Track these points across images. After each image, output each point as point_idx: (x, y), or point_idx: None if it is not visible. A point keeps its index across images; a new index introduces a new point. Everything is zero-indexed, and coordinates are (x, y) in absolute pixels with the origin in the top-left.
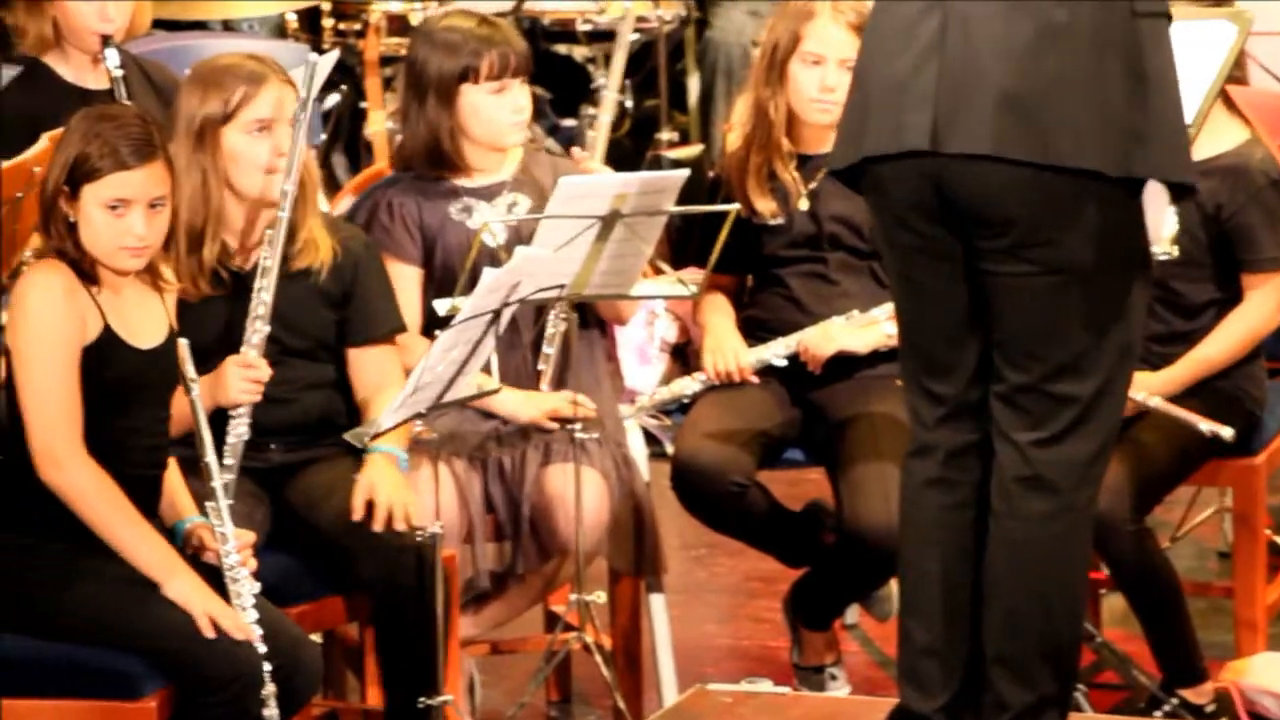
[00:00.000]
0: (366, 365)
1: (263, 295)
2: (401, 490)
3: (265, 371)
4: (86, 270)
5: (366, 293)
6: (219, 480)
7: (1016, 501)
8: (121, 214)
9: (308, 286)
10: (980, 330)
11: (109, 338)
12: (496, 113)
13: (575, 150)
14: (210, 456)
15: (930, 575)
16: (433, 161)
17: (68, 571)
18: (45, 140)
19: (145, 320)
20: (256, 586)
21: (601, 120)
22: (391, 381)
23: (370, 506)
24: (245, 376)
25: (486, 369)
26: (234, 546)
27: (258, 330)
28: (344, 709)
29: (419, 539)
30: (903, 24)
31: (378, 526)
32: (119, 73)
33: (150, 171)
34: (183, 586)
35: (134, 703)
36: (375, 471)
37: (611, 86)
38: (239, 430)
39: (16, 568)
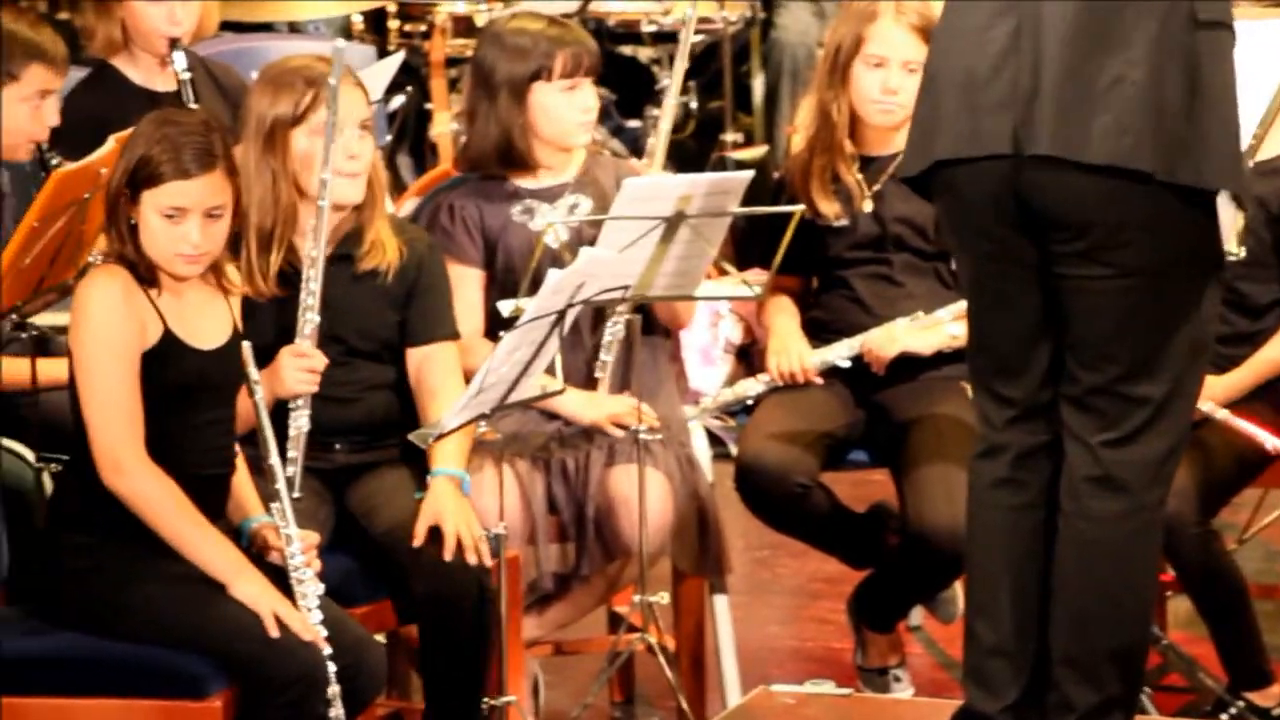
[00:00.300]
0: (426, 366)
1: (311, 285)
2: (467, 517)
3: (320, 360)
4: (145, 274)
5: (428, 294)
6: (283, 481)
7: (1087, 501)
8: (178, 221)
9: (374, 288)
10: (1051, 333)
11: (170, 341)
12: (566, 111)
13: (634, 162)
14: (274, 458)
15: (998, 576)
16: (502, 161)
17: (134, 572)
18: (113, 142)
19: (208, 321)
20: (321, 588)
21: (662, 125)
22: (450, 383)
23: (432, 533)
24: (300, 366)
25: (550, 370)
26: (299, 548)
27: (309, 320)
28: (407, 709)
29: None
30: (976, 26)
31: (447, 556)
32: (186, 75)
33: (209, 181)
34: (249, 587)
35: (199, 702)
36: (440, 497)
37: (673, 90)
38: (299, 422)
39: (84, 568)
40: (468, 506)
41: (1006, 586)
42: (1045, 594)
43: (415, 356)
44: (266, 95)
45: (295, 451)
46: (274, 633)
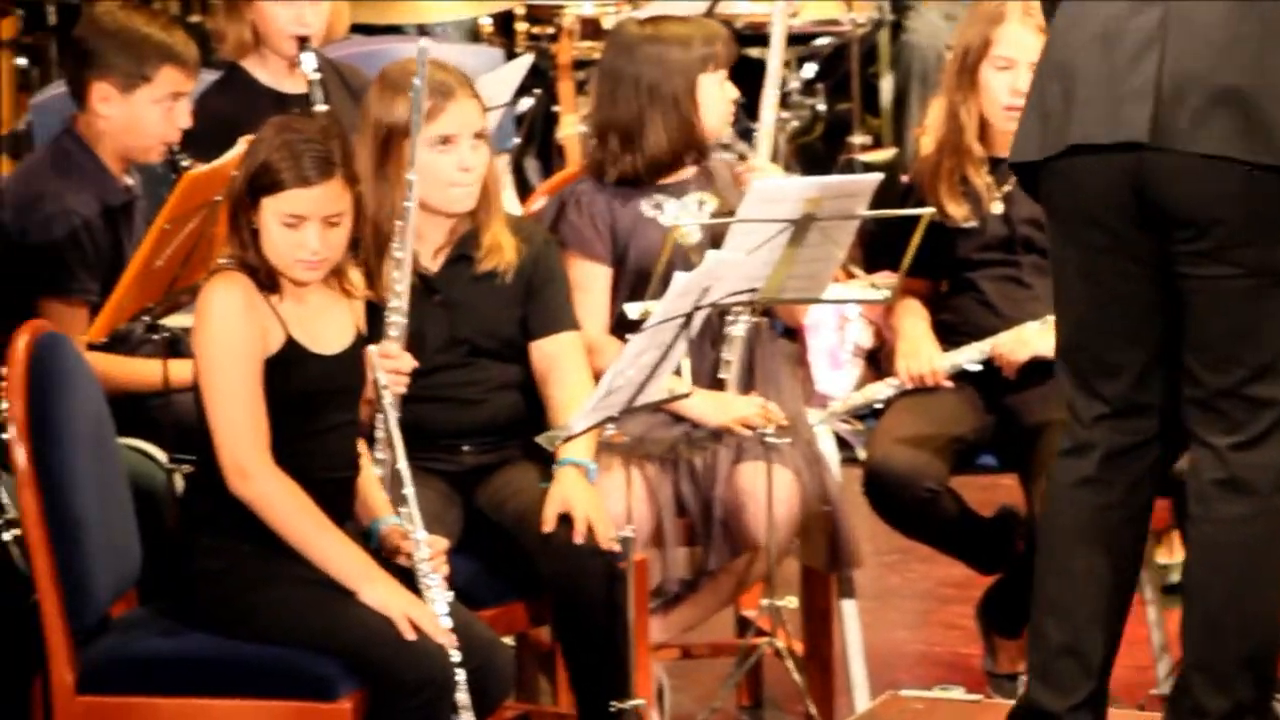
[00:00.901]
0: (549, 358)
1: (398, 288)
2: (595, 503)
3: (407, 362)
4: (266, 280)
5: (546, 287)
6: (410, 487)
7: (1213, 505)
8: (297, 228)
9: (494, 288)
10: (1153, 332)
11: (292, 347)
12: (723, 103)
13: (740, 167)
14: (402, 463)
15: (1075, 575)
16: (665, 166)
17: (265, 574)
18: (243, 144)
19: (331, 326)
20: (450, 595)
21: (763, 120)
22: (574, 373)
23: (562, 520)
24: (387, 368)
25: (678, 372)
26: (427, 553)
27: (395, 323)
28: (535, 712)
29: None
30: (1114, 14)
31: (578, 539)
32: (315, 76)
33: (327, 189)
34: (379, 591)
35: (329, 704)
36: (567, 485)
37: (769, 86)
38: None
39: (215, 569)
40: (596, 494)
41: (1081, 586)
42: (1119, 595)
43: (538, 350)
44: (385, 99)
45: (385, 454)
46: (410, 635)
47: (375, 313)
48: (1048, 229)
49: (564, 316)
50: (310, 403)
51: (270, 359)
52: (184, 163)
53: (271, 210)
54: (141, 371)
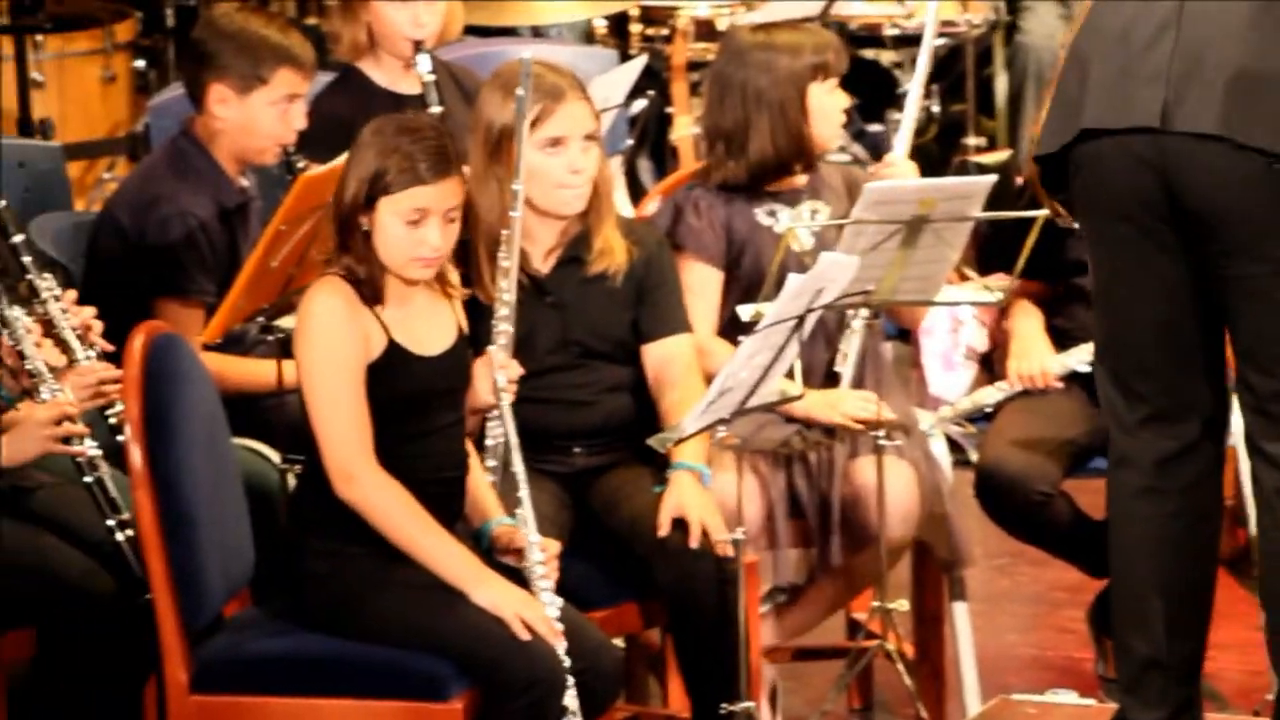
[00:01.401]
0: (662, 361)
1: (504, 296)
2: (710, 508)
3: (515, 369)
4: (369, 288)
5: (658, 290)
6: (525, 489)
7: (1279, 513)
8: (419, 225)
9: (605, 290)
10: (1189, 329)
11: (395, 352)
12: (835, 112)
13: (866, 168)
14: (518, 465)
15: (1148, 589)
16: (774, 171)
17: (376, 575)
18: None
19: (433, 328)
20: (560, 601)
21: (904, 123)
22: (687, 376)
23: (677, 524)
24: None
25: (790, 374)
26: (540, 557)
27: (503, 330)
28: (645, 714)
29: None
30: (1131, 14)
31: (693, 543)
32: (430, 78)
33: (447, 185)
34: (490, 592)
35: (440, 704)
36: (682, 489)
37: (914, 91)
38: (496, 432)
39: (326, 571)
40: (710, 499)
41: (1158, 599)
42: (1197, 601)
43: (651, 353)
44: (495, 100)
45: (494, 461)
46: (524, 635)
47: (482, 314)
48: (1081, 229)
49: (676, 319)
50: (416, 405)
51: (373, 364)
52: (299, 164)
53: (391, 210)
54: (256, 372)
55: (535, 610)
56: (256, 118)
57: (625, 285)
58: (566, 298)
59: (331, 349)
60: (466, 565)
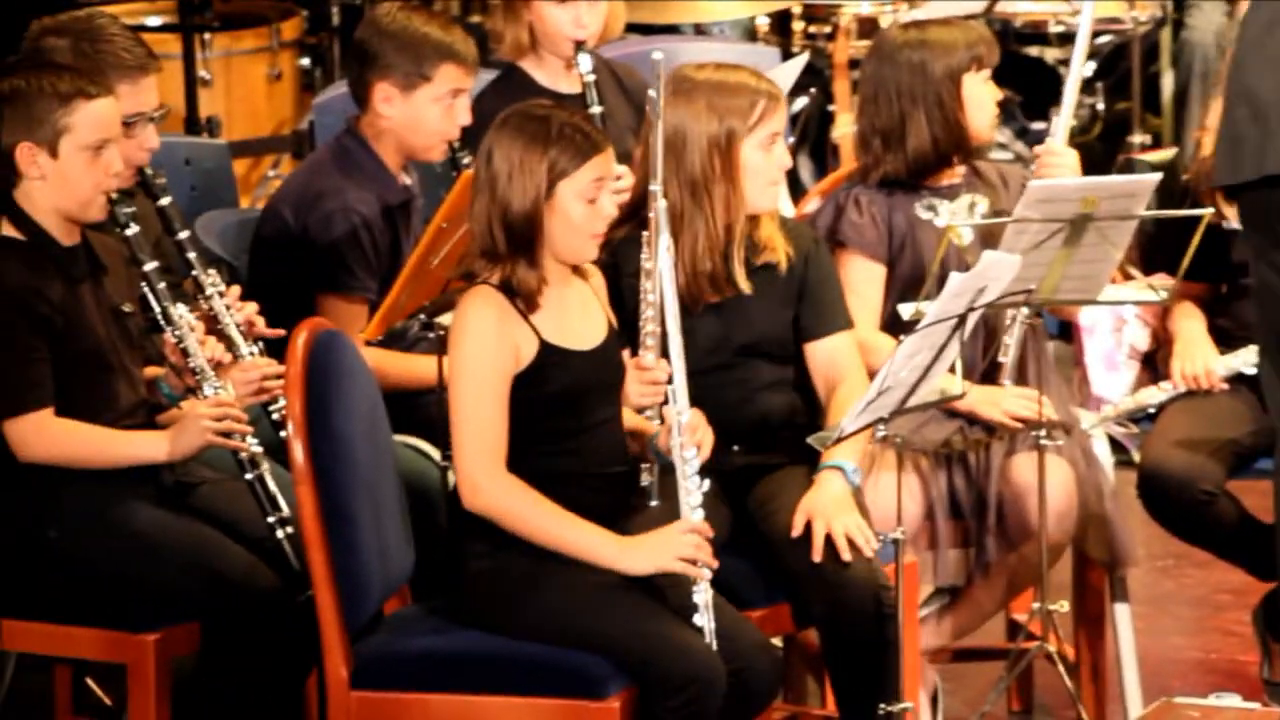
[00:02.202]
0: (826, 358)
1: (649, 297)
2: (844, 511)
3: (663, 371)
4: (525, 297)
5: (819, 287)
6: (696, 487)
7: None
8: (597, 199)
9: (766, 287)
10: None
11: (548, 353)
12: (990, 104)
13: (1020, 168)
14: (677, 456)
15: None
16: (932, 165)
17: (533, 574)
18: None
19: (585, 324)
20: (709, 593)
21: (1063, 109)
22: (852, 373)
23: (828, 548)
24: (643, 379)
25: (951, 371)
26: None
27: (650, 332)
28: (803, 714)
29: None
30: None
31: (816, 556)
32: (591, 77)
33: (608, 151)
34: (639, 557)
35: (599, 702)
36: (820, 492)
37: (1073, 76)
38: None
39: (485, 570)
40: (849, 501)
41: None
42: None
43: (814, 351)
44: (717, 108)
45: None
46: (700, 574)
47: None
48: (1247, 241)
49: (839, 316)
50: (574, 401)
51: (529, 366)
52: (463, 160)
53: (572, 192)
54: (416, 368)
55: (686, 548)
56: (421, 115)
57: (785, 283)
58: (726, 296)
59: (477, 361)
60: (607, 542)
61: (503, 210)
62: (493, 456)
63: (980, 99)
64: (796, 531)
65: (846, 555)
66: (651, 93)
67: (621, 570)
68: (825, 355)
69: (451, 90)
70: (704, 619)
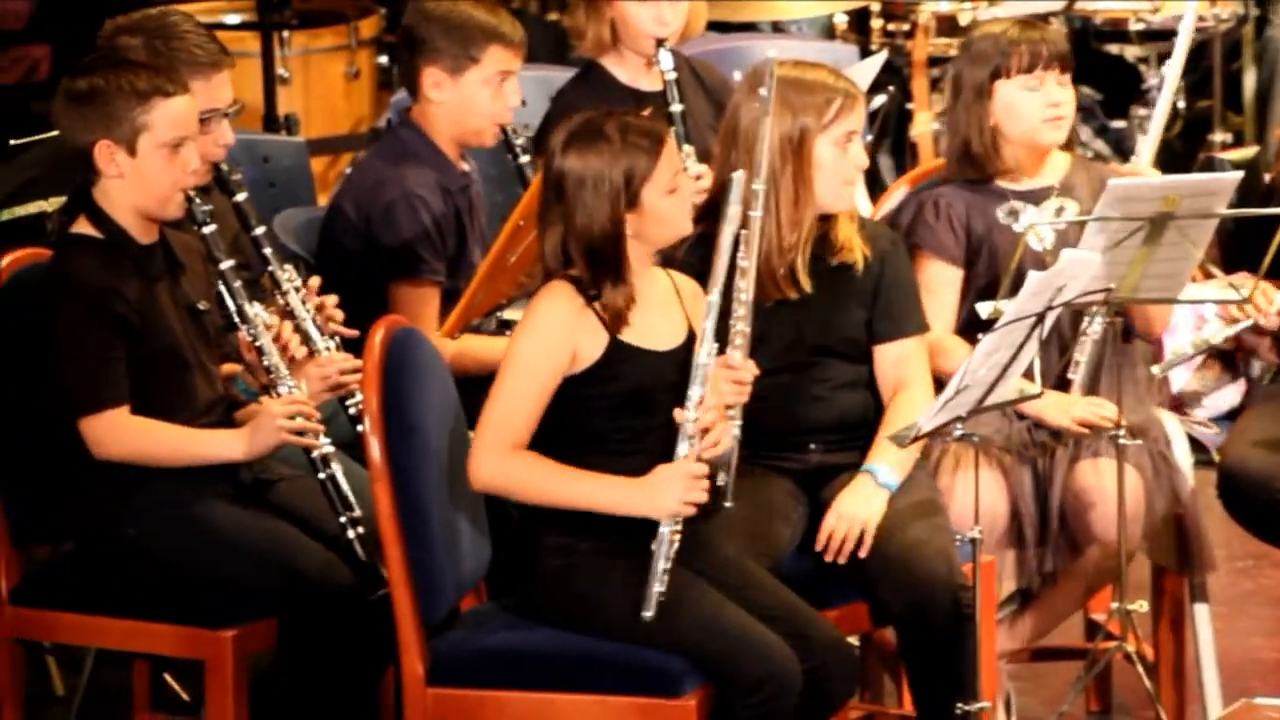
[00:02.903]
0: (894, 361)
1: (741, 296)
2: (861, 515)
3: (750, 370)
4: (610, 317)
5: (894, 289)
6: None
7: None
8: (678, 190)
9: (843, 287)
10: None
11: (618, 349)
12: (1030, 108)
13: (1116, 165)
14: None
15: None
16: (967, 163)
17: (610, 572)
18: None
19: (665, 322)
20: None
21: (1151, 129)
22: (919, 378)
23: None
24: (729, 378)
25: (1029, 373)
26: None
27: (741, 331)
28: (880, 713)
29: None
30: None
31: (828, 557)
32: (672, 75)
33: (669, 137)
34: (657, 498)
35: (675, 700)
36: (852, 495)
37: (1167, 89)
38: (734, 433)
39: (560, 567)
40: (871, 503)
41: None
42: None
43: (882, 354)
44: (790, 105)
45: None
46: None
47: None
48: None
49: (911, 320)
50: (644, 399)
51: (595, 364)
52: (518, 143)
53: (656, 191)
54: (494, 349)
55: (696, 487)
56: (471, 97)
57: (862, 282)
58: (803, 295)
59: (530, 353)
60: (621, 489)
61: (583, 236)
62: (504, 439)
63: (1012, 104)
64: (819, 546)
65: (841, 559)
66: (763, 90)
67: (647, 514)
68: (893, 359)
69: (500, 72)
70: (655, 582)
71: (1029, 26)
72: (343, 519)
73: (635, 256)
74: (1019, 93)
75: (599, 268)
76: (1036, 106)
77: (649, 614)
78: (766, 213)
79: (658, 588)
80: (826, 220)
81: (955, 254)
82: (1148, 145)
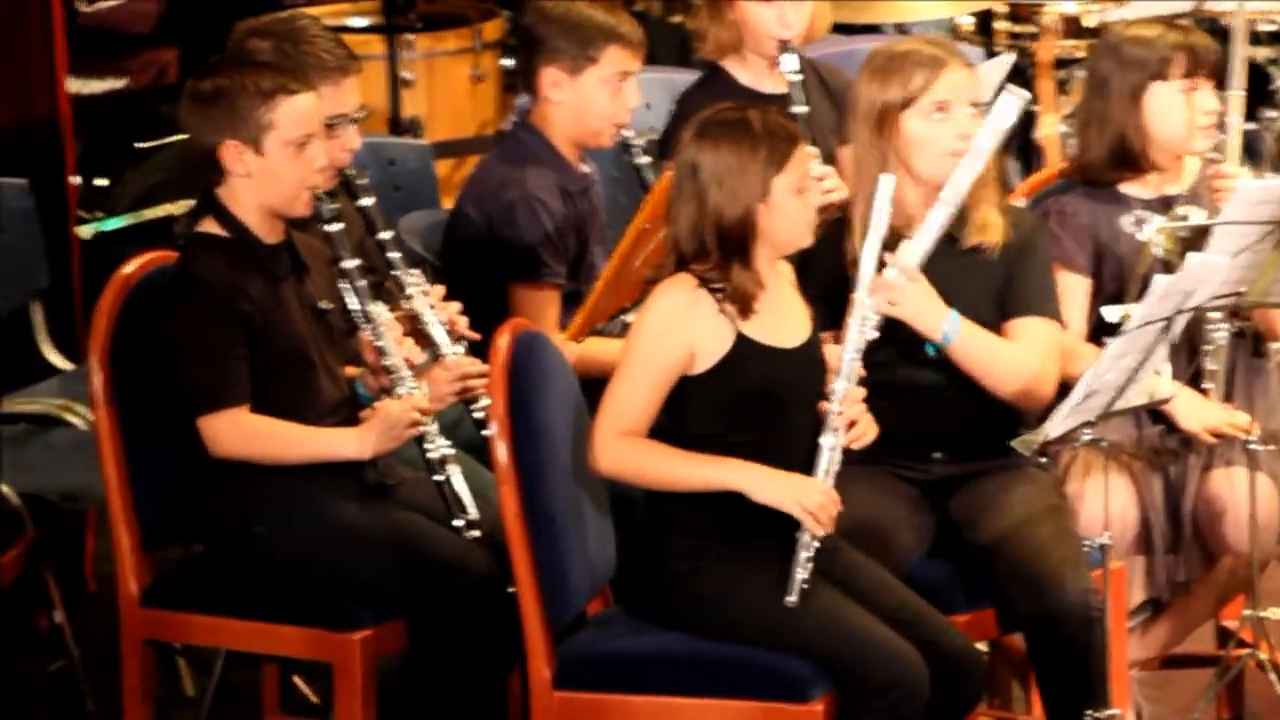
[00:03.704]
0: (1023, 338)
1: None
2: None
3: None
4: (739, 304)
5: (1029, 268)
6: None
7: None
8: (805, 189)
9: (977, 268)
10: None
11: (744, 346)
12: (1184, 114)
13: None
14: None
15: None
16: (1116, 164)
17: (735, 574)
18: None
19: (791, 319)
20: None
21: (1229, 123)
22: (1045, 361)
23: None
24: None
25: (1159, 375)
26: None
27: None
28: (1008, 719)
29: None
30: None
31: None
32: (796, 78)
33: (804, 141)
34: (769, 488)
35: (801, 705)
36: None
37: (1233, 88)
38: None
39: (686, 570)
40: (924, 293)
41: None
42: None
43: (1012, 331)
44: (876, 80)
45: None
46: (815, 530)
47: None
48: None
49: (1042, 300)
50: (773, 398)
51: (721, 360)
52: (635, 143)
53: (787, 187)
54: (617, 351)
55: (812, 496)
56: (589, 98)
57: (998, 265)
58: (935, 276)
59: (647, 346)
60: (734, 472)
61: (716, 220)
62: (622, 426)
63: (1167, 109)
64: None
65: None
66: (986, 95)
67: (753, 498)
68: (1022, 335)
69: (619, 73)
70: (799, 568)
71: (1187, 30)
72: (458, 522)
73: (760, 256)
74: (1175, 97)
75: (729, 251)
76: (1191, 113)
77: (793, 599)
78: (858, 193)
79: (801, 574)
80: (969, 196)
81: (1081, 263)
82: (1231, 145)
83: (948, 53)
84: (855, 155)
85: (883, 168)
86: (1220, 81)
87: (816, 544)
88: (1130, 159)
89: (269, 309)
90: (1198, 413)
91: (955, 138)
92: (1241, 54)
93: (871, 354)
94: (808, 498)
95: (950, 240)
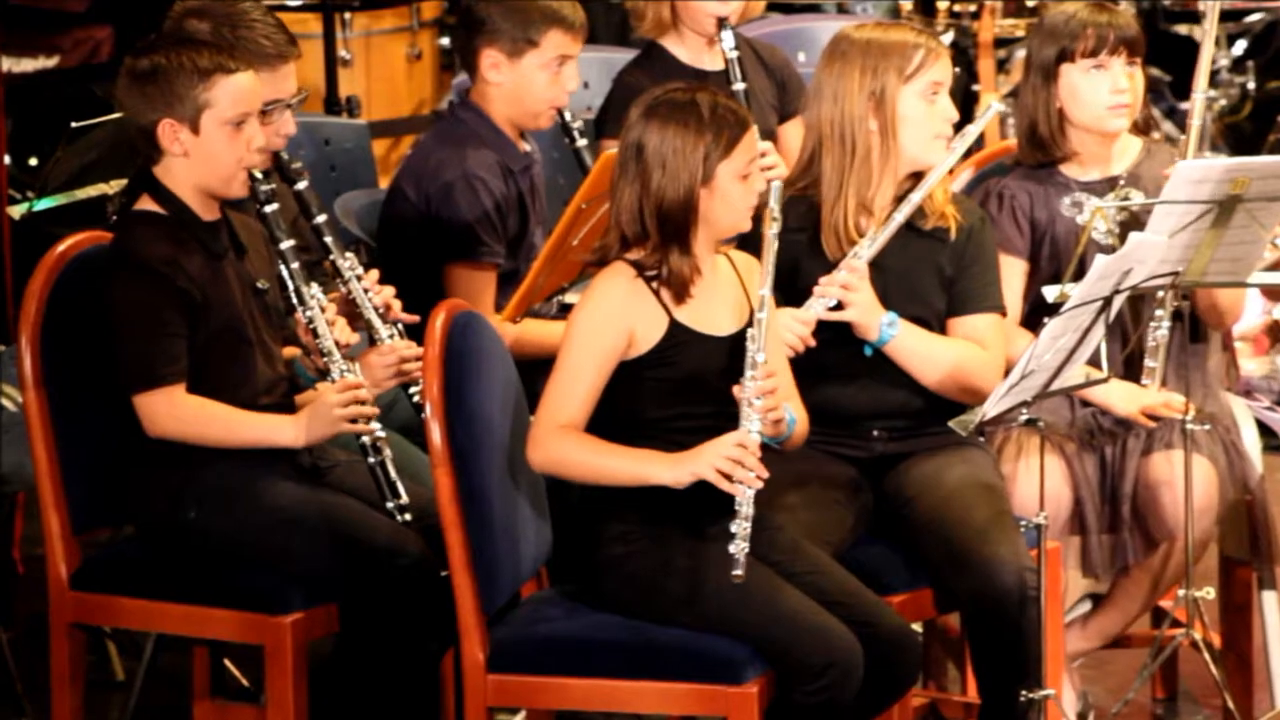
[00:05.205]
0: (971, 335)
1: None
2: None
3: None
4: (674, 289)
5: (976, 264)
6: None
7: None
8: (749, 175)
9: (929, 253)
10: None
11: (677, 332)
12: (1094, 94)
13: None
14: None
15: None
16: (1033, 147)
17: (670, 558)
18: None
19: (726, 307)
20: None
21: (1195, 108)
22: (994, 356)
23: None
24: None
25: (1095, 360)
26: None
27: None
28: (943, 700)
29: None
30: None
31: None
32: (734, 54)
33: (754, 128)
34: (690, 465)
35: (736, 687)
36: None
37: (1201, 73)
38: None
39: (621, 554)
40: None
41: None
42: None
43: (958, 328)
44: (872, 68)
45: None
46: (733, 489)
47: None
48: None
49: (990, 296)
50: (704, 384)
51: (654, 347)
52: (575, 126)
53: (730, 173)
54: (553, 333)
55: (722, 449)
56: (529, 81)
57: (947, 254)
58: (887, 261)
59: (586, 335)
60: (649, 466)
61: (657, 201)
62: (559, 419)
63: (1076, 89)
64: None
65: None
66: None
67: (680, 483)
68: (969, 333)
69: (559, 56)
70: (739, 530)
71: (1098, 9)
72: (390, 505)
73: (699, 240)
74: (1083, 77)
75: (668, 233)
76: (1100, 92)
77: (738, 573)
78: (849, 175)
79: (743, 546)
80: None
81: (1019, 246)
82: (1192, 134)
83: (937, 41)
84: (849, 136)
85: (881, 150)
86: (1143, 60)
87: (752, 495)
88: (1042, 142)
89: (208, 285)
90: (1131, 395)
91: (943, 120)
92: (1208, 55)
93: (815, 332)
94: (718, 457)
95: (907, 225)
